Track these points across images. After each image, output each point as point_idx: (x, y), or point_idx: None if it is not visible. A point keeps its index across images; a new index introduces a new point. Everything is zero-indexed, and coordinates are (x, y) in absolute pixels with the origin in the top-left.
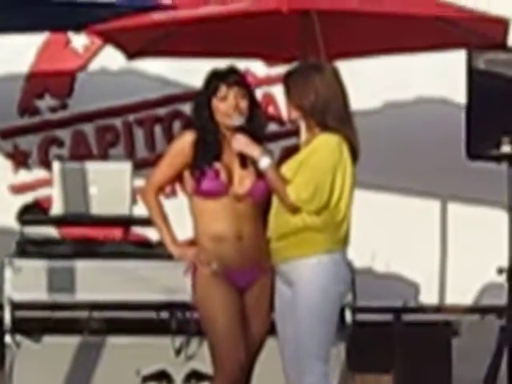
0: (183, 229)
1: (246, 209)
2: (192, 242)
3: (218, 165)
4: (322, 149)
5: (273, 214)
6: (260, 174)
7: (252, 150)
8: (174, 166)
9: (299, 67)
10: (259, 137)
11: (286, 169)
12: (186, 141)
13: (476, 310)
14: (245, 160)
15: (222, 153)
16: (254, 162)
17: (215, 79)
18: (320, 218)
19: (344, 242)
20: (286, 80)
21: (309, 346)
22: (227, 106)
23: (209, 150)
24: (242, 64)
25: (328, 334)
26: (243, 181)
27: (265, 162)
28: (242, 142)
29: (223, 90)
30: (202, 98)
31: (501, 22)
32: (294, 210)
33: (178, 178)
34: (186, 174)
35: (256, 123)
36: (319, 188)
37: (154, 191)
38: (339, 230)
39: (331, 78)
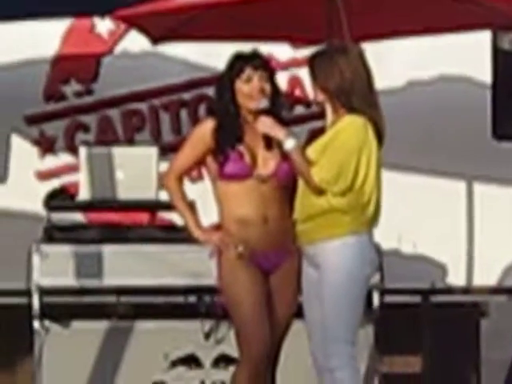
0: (210, 213)
1: (270, 191)
2: (218, 227)
3: (241, 147)
4: (347, 130)
5: (299, 196)
6: (285, 156)
7: (277, 131)
8: (196, 152)
9: (324, 49)
10: (283, 119)
11: (312, 150)
12: (207, 127)
13: (504, 290)
14: (270, 142)
15: (243, 135)
16: (279, 144)
17: (240, 61)
18: (345, 200)
19: (370, 223)
20: (311, 62)
21: (335, 329)
22: (251, 88)
23: (231, 132)
24: (264, 48)
25: (355, 316)
26: (267, 162)
27: (290, 144)
28: (267, 124)
29: (248, 71)
30: (225, 79)
31: None
32: (319, 191)
33: (201, 162)
34: (209, 159)
35: (278, 107)
36: (344, 169)
37: (175, 177)
38: (365, 212)
39: (356, 59)
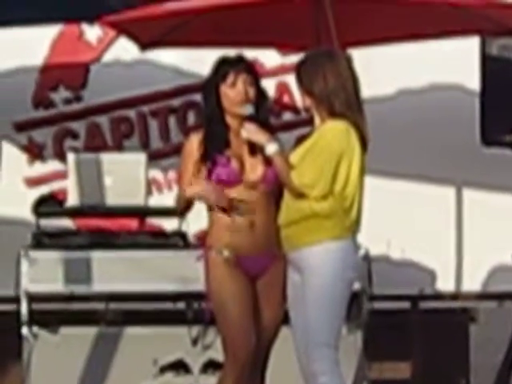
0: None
1: (258, 196)
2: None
3: (228, 152)
4: (328, 135)
5: (284, 201)
6: (268, 162)
7: (260, 137)
8: (192, 164)
9: (311, 54)
10: (267, 125)
11: (294, 155)
12: (193, 142)
13: (493, 296)
14: (254, 148)
15: (230, 142)
16: (262, 150)
17: (224, 66)
18: (327, 204)
19: (353, 228)
20: (298, 67)
21: (317, 333)
22: (236, 93)
23: (218, 137)
24: (250, 54)
25: (337, 320)
26: (255, 168)
27: (271, 149)
28: (250, 130)
29: (232, 76)
30: (210, 84)
31: None
32: (301, 196)
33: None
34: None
35: (263, 112)
36: (323, 174)
37: None
38: (348, 217)
39: (342, 64)
